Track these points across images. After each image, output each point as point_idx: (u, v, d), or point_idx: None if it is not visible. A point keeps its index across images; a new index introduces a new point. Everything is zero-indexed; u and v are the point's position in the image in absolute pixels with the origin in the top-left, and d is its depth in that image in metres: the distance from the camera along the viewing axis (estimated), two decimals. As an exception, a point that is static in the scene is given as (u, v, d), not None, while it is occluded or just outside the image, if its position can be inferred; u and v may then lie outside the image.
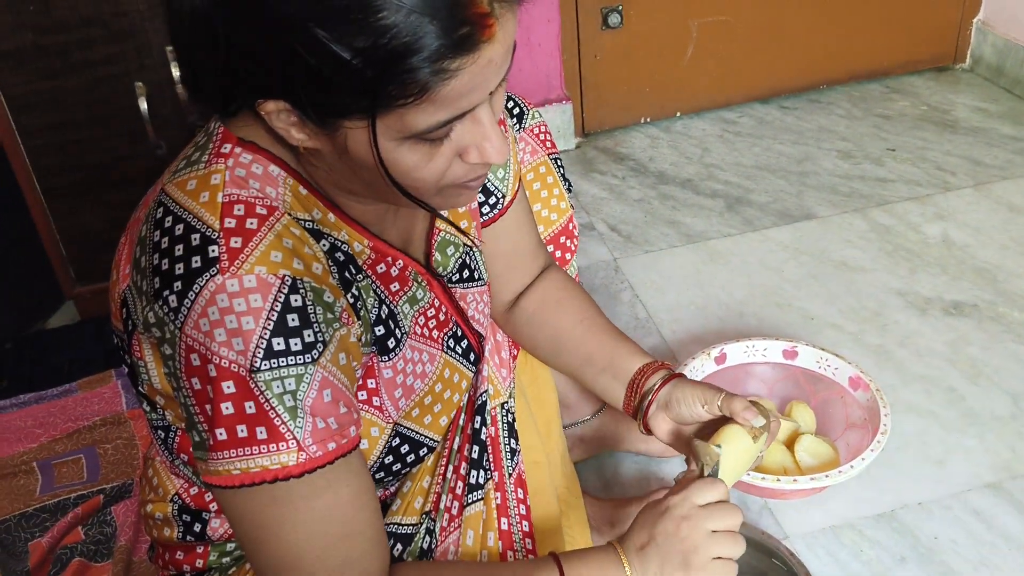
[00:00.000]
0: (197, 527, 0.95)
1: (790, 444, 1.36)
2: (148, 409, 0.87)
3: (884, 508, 1.36)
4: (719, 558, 0.88)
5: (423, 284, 0.95)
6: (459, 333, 1.00)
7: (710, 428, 1.01)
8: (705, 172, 2.26)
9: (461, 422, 1.06)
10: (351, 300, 0.83)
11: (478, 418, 1.08)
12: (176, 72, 1.66)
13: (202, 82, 0.77)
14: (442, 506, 1.04)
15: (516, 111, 1.25)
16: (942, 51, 2.61)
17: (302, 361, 0.74)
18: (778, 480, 1.23)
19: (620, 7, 2.31)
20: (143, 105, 1.65)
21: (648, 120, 2.50)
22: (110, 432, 1.59)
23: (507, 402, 1.14)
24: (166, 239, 0.75)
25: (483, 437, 1.08)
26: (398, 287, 0.91)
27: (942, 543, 1.30)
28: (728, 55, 2.45)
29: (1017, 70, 2.46)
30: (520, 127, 1.25)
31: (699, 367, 1.43)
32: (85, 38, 1.62)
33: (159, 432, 0.89)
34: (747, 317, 1.75)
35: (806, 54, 2.50)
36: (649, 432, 1.07)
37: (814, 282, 1.83)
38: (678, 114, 2.51)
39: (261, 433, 0.74)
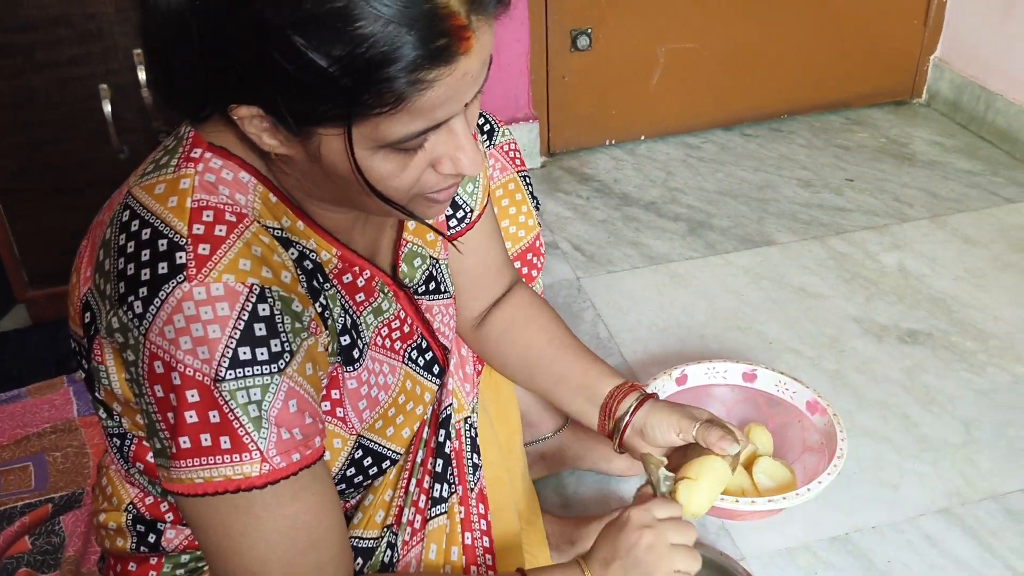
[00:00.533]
0: (151, 538, 0.93)
1: (748, 466, 1.36)
2: (104, 416, 0.86)
3: (839, 531, 1.37)
4: (678, 572, 0.89)
5: (389, 295, 0.94)
6: (423, 345, 1.00)
7: (683, 450, 1.02)
8: (668, 195, 2.28)
9: (425, 435, 1.06)
10: (319, 309, 0.82)
11: (442, 431, 1.07)
12: (143, 75, 1.64)
13: (174, 84, 0.76)
14: (404, 519, 1.03)
15: (487, 128, 1.26)
16: (901, 85, 2.67)
17: (268, 371, 0.74)
18: (736, 501, 1.24)
19: (589, 30, 2.33)
20: (107, 108, 1.63)
21: (613, 142, 2.52)
22: (60, 440, 1.55)
23: (470, 416, 1.14)
24: (132, 243, 0.74)
25: (447, 450, 1.07)
26: (363, 297, 0.90)
27: (895, 567, 1.32)
28: (693, 81, 2.49)
29: (972, 106, 2.52)
30: (490, 143, 1.26)
31: (660, 387, 1.43)
32: (52, 38, 1.59)
33: (115, 440, 0.87)
34: (708, 339, 1.77)
35: (769, 83, 2.55)
36: (621, 450, 1.08)
37: (773, 307, 1.86)
38: (643, 137, 2.54)
39: (225, 443, 0.73)
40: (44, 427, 1.58)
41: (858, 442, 1.51)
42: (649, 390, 1.41)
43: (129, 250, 0.74)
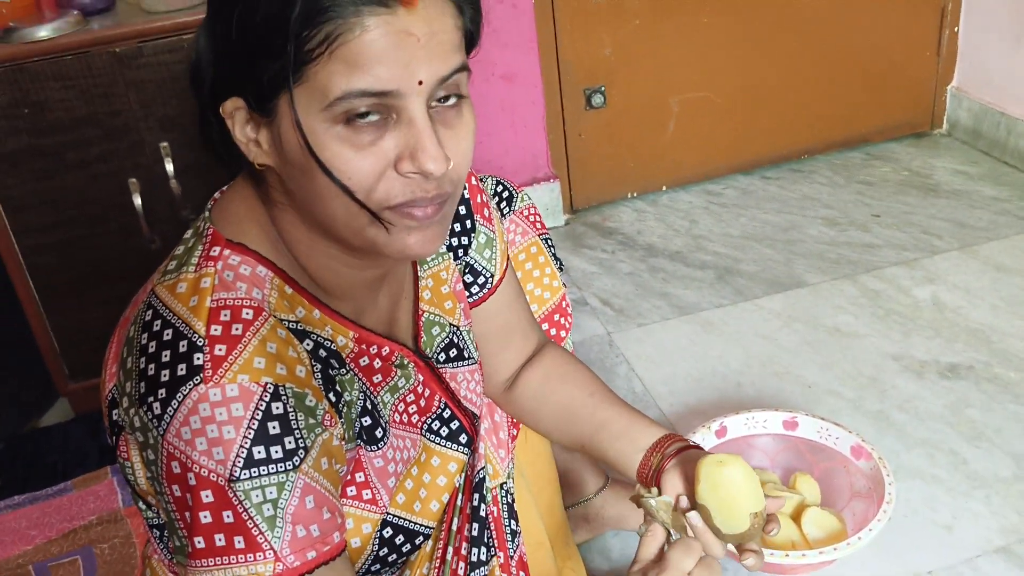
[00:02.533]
0: (197, 626, 0.93)
1: (796, 517, 1.34)
2: (144, 507, 0.87)
3: (895, 578, 1.34)
4: None
5: (409, 368, 0.95)
6: (446, 415, 0.99)
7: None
8: (693, 244, 2.28)
9: (459, 502, 1.05)
10: (333, 399, 0.83)
11: (476, 495, 1.06)
12: (170, 167, 1.69)
13: (207, 132, 0.82)
14: (444, 591, 1.02)
15: (505, 194, 1.27)
16: (919, 117, 2.67)
17: (283, 468, 0.74)
18: (786, 555, 1.22)
19: (603, 87, 2.36)
20: (137, 201, 1.67)
21: (634, 194, 2.54)
22: (106, 531, 1.56)
23: (506, 483, 1.13)
24: (154, 343, 0.76)
25: (483, 514, 1.06)
26: (380, 379, 0.91)
27: (956, 612, 1.28)
28: (709, 129, 2.50)
29: (993, 132, 2.51)
30: (510, 209, 1.27)
31: (700, 441, 1.42)
32: (79, 138, 1.64)
33: (155, 530, 0.88)
34: (745, 387, 1.75)
35: (785, 125, 2.56)
36: (648, 484, 1.01)
37: (809, 349, 1.84)
38: (664, 187, 2.55)
39: (239, 543, 0.74)
40: (90, 519, 1.59)
41: (907, 484, 1.48)
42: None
43: (150, 350, 0.76)
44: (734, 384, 1.77)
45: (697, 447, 1.02)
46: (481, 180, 1.27)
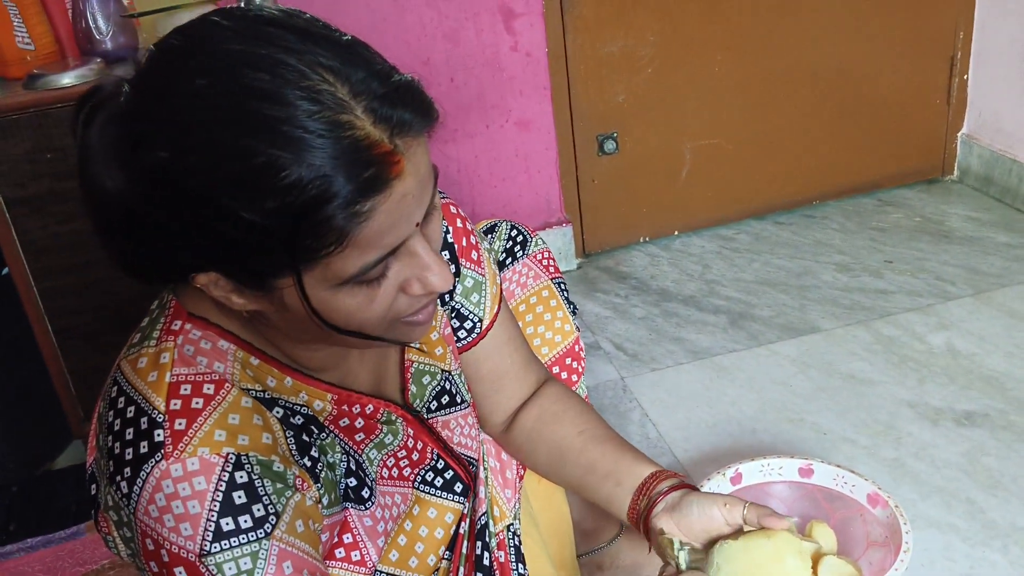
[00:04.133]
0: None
1: (813, 565, 1.33)
2: (138, 569, 0.87)
3: (913, 629, 1.32)
4: None
5: (397, 424, 0.94)
6: (440, 465, 0.98)
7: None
8: (707, 288, 2.29)
9: (464, 550, 1.04)
10: (309, 463, 0.82)
11: (479, 543, 1.06)
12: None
13: (131, 262, 0.77)
14: (452, 643, 1.01)
15: (519, 238, 1.28)
16: (931, 164, 2.68)
17: (255, 537, 0.74)
18: (803, 604, 1.20)
19: (615, 134, 2.38)
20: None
21: (647, 239, 2.55)
22: (119, 575, 1.56)
23: (512, 524, 1.12)
24: (118, 421, 0.76)
25: (486, 562, 1.05)
26: (363, 437, 0.90)
27: (976, 664, 1.26)
28: (722, 174, 2.52)
29: (1005, 179, 2.52)
30: (524, 253, 1.28)
31: (715, 487, 1.41)
32: (100, 183, 1.66)
33: None
34: (759, 434, 1.74)
35: (797, 170, 2.57)
36: (647, 535, 1.00)
37: (824, 396, 1.83)
38: (676, 232, 2.56)
39: None
40: (103, 563, 1.59)
41: (924, 533, 1.47)
42: (704, 490, 1.40)
43: (116, 428, 0.76)
44: (749, 430, 1.76)
45: (689, 487, 0.99)
46: (495, 225, 1.29)
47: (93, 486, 0.82)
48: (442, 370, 1.02)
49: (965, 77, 2.57)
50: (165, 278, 0.79)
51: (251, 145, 0.65)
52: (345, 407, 0.89)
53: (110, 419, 0.77)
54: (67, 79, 1.65)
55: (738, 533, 0.91)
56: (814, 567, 1.33)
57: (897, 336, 2.00)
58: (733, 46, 2.38)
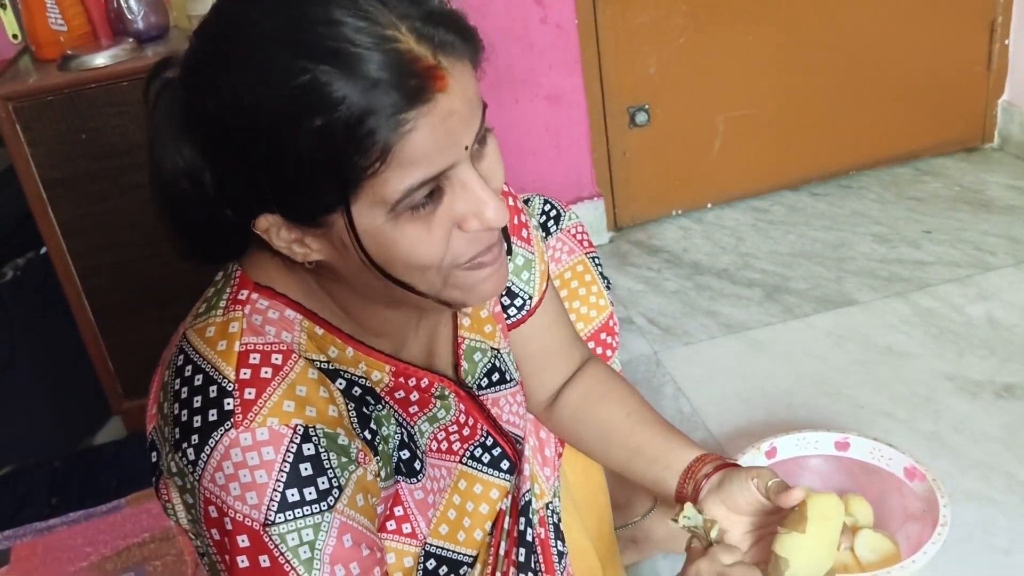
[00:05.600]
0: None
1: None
2: (193, 536, 0.88)
3: (952, 603, 1.31)
4: None
5: (449, 399, 0.94)
6: (489, 442, 0.99)
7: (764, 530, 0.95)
8: (741, 261, 2.26)
9: (506, 525, 1.04)
10: (368, 436, 0.83)
11: (523, 519, 1.06)
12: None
13: (200, 238, 0.79)
14: (493, 617, 1.02)
15: (553, 213, 1.27)
16: (970, 132, 2.63)
17: (318, 510, 0.75)
18: (840, 578, 1.20)
19: (647, 106, 2.36)
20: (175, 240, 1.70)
21: (680, 212, 2.52)
22: (159, 548, 1.58)
23: (552, 502, 1.12)
24: (185, 389, 0.77)
25: (529, 538, 1.06)
26: (417, 409, 0.91)
27: (1016, 639, 1.25)
28: (755, 146, 2.49)
29: (1047, 147, 2.46)
30: (558, 228, 1.27)
31: (750, 461, 1.40)
32: (134, 162, 1.68)
33: (204, 558, 0.89)
34: (795, 408, 1.73)
35: (833, 141, 2.53)
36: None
37: (861, 369, 1.81)
38: (709, 205, 2.53)
39: None
40: (143, 536, 1.62)
41: (962, 507, 1.45)
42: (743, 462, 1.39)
43: (183, 396, 0.77)
44: (784, 404, 1.75)
45: (733, 464, 0.99)
46: (528, 200, 1.28)
47: (154, 453, 0.83)
48: (492, 348, 1.02)
49: (1006, 42, 2.51)
50: (228, 243, 0.80)
51: (297, 64, 0.66)
52: (402, 379, 0.89)
53: (176, 387, 0.78)
54: (100, 59, 1.66)
55: (792, 516, 0.89)
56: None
57: (936, 308, 1.97)
58: (765, 15, 2.33)
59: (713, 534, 0.90)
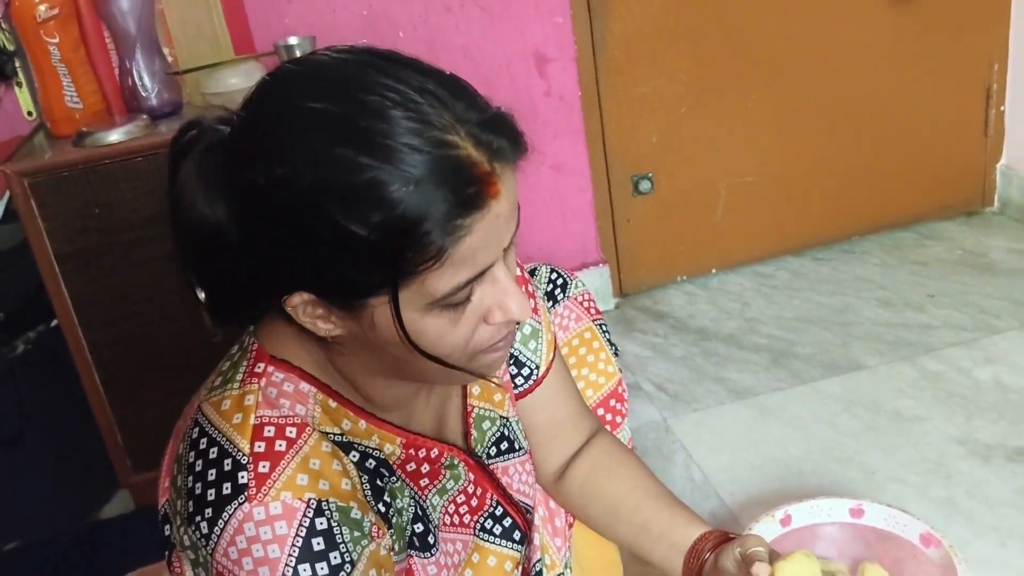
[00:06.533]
0: None
1: (867, 607, 1.30)
2: None
3: (973, 674, 1.29)
4: None
5: (458, 468, 0.94)
6: (499, 512, 0.98)
7: None
8: (747, 326, 2.27)
9: (520, 599, 1.03)
10: (383, 509, 0.83)
11: None
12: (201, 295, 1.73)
13: (223, 295, 0.80)
14: None
15: (559, 281, 1.28)
16: (970, 196, 2.66)
17: None
18: (860, 648, 1.18)
19: (650, 174, 2.39)
20: (201, 294, 1.71)
21: (684, 278, 2.54)
22: (166, 625, 1.56)
23: (563, 573, 1.11)
24: (200, 462, 0.77)
25: None
26: (428, 482, 0.91)
27: None
28: (758, 212, 2.51)
29: (1047, 210, 2.49)
30: (565, 295, 1.28)
31: (764, 530, 1.39)
32: (146, 236, 1.70)
33: None
34: (806, 475, 1.72)
35: (834, 206, 2.56)
36: None
37: (871, 434, 1.80)
38: (713, 270, 2.55)
39: None
40: (150, 612, 1.59)
41: (979, 573, 1.43)
42: (753, 533, 1.38)
43: (197, 468, 0.77)
44: (795, 471, 1.74)
45: (725, 541, 0.99)
46: (534, 270, 1.29)
47: (167, 526, 0.82)
48: (501, 416, 1.02)
49: (1002, 108, 2.55)
50: (253, 310, 0.81)
51: (360, 161, 0.68)
52: (412, 451, 0.89)
53: (191, 460, 0.78)
54: (114, 136, 1.69)
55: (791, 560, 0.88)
56: (869, 610, 1.30)
57: (943, 371, 1.97)
58: (765, 83, 2.38)
59: None
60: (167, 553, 0.84)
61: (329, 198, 0.69)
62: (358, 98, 0.70)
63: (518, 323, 0.82)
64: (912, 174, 2.58)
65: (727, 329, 2.27)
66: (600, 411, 1.28)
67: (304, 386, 0.82)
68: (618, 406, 1.30)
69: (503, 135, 0.73)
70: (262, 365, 0.82)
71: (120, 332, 1.75)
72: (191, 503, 0.77)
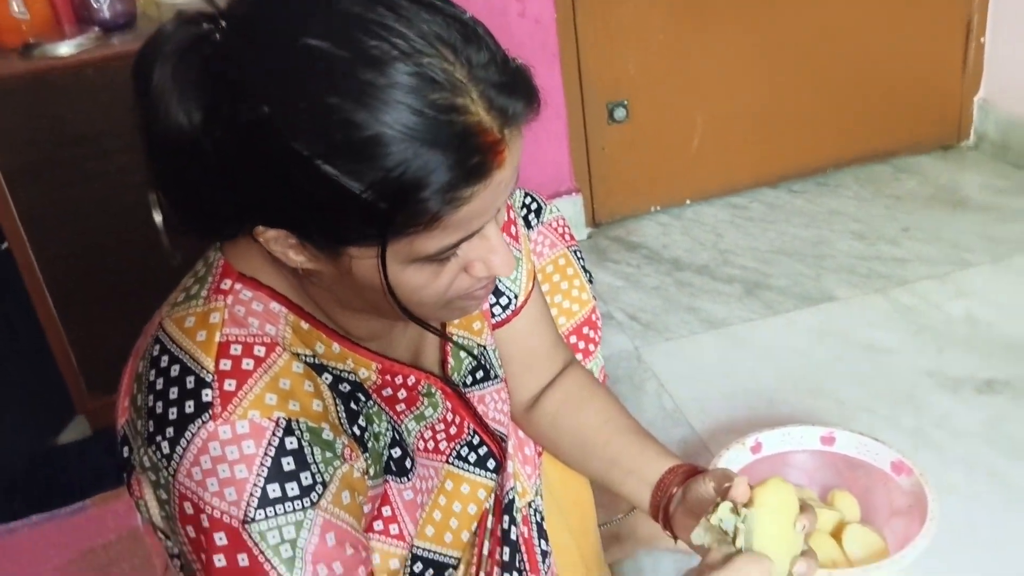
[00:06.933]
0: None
1: (836, 535, 1.30)
2: (162, 537, 0.84)
3: (939, 600, 1.29)
4: None
5: (436, 397, 0.92)
6: (475, 441, 0.96)
7: None
8: (720, 258, 2.25)
9: (489, 524, 1.01)
10: (358, 432, 0.80)
11: (507, 517, 1.03)
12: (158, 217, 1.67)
13: (186, 211, 0.74)
14: (477, 618, 0.98)
15: (534, 206, 1.24)
16: (946, 130, 2.63)
17: (301, 507, 0.71)
18: (830, 574, 1.17)
19: (625, 102, 2.34)
20: (158, 217, 1.65)
21: (658, 208, 2.51)
22: (126, 550, 1.53)
23: (534, 500, 1.09)
24: (161, 380, 0.73)
25: (513, 537, 1.03)
26: (404, 408, 0.88)
27: (1004, 635, 1.23)
28: (734, 143, 2.47)
29: (1022, 145, 2.47)
30: (539, 221, 1.24)
31: (734, 458, 1.38)
32: (99, 149, 1.63)
33: (175, 560, 0.85)
34: (777, 404, 1.71)
35: (810, 138, 2.53)
36: (675, 536, 0.97)
37: (842, 365, 1.80)
38: (688, 201, 2.52)
39: None
40: (110, 538, 1.56)
41: (946, 502, 1.42)
42: (723, 461, 1.37)
43: (158, 387, 0.73)
44: (766, 401, 1.73)
45: (693, 474, 0.96)
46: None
47: (125, 448, 0.79)
48: (478, 344, 1.00)
49: (982, 40, 2.51)
50: (223, 229, 0.76)
51: (358, 117, 0.63)
52: (388, 377, 0.86)
53: (151, 378, 0.74)
54: (64, 48, 1.61)
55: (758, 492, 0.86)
56: (837, 536, 1.31)
57: (915, 304, 1.96)
58: (746, 13, 2.32)
59: (739, 542, 0.85)
60: (125, 476, 0.80)
61: (322, 150, 0.64)
62: (363, 43, 0.63)
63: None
64: (889, 107, 2.54)
65: (701, 260, 2.25)
66: (573, 339, 1.25)
67: (274, 306, 0.78)
68: (591, 334, 1.28)
69: (519, 97, 0.68)
70: (229, 282, 0.77)
71: (74, 251, 1.69)
72: (151, 422, 0.72)
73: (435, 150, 0.64)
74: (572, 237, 1.27)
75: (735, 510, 0.83)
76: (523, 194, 1.25)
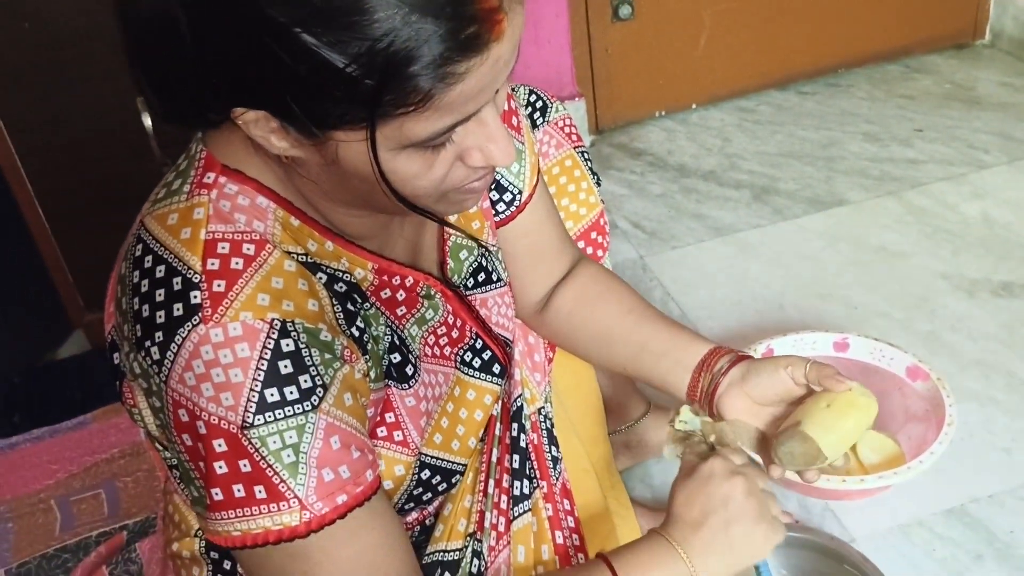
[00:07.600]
0: (227, 564, 0.88)
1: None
2: (160, 448, 0.81)
3: (953, 503, 1.28)
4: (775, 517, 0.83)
5: (436, 299, 0.88)
6: (478, 345, 0.93)
7: (779, 423, 0.92)
8: (727, 163, 2.19)
9: (498, 431, 0.99)
10: (356, 333, 0.76)
11: (515, 425, 1.00)
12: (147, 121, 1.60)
13: (165, 95, 0.69)
14: (487, 524, 0.97)
15: (539, 104, 1.18)
16: (961, 27, 2.54)
17: (301, 410, 0.68)
18: (844, 480, 1.15)
19: (631, -2, 2.24)
20: (147, 121, 1.58)
21: (663, 113, 2.43)
22: (129, 464, 1.52)
23: (544, 407, 1.07)
24: (146, 281, 0.69)
25: (522, 444, 1.01)
26: (404, 311, 0.84)
27: (1019, 536, 1.22)
28: (742, 43, 2.38)
29: (1041, 42, 2.39)
30: (544, 120, 1.19)
31: (747, 364, 1.35)
32: (83, 52, 1.55)
33: (174, 471, 0.82)
34: (787, 310, 1.68)
35: (821, 37, 2.44)
36: (715, 416, 0.95)
37: (854, 269, 1.76)
38: (694, 105, 2.44)
39: (260, 492, 0.68)
40: (112, 452, 1.55)
41: (963, 406, 1.41)
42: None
43: (143, 289, 0.69)
44: (776, 307, 1.69)
45: (747, 358, 0.94)
46: (512, 89, 1.19)
47: (115, 354, 0.75)
48: (479, 245, 0.95)
49: (1003, -69, 2.41)
50: (201, 114, 0.70)
51: None
52: (386, 277, 0.82)
53: (135, 280, 0.70)
54: (41, -58, 1.52)
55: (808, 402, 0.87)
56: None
57: (929, 206, 1.91)
58: (756, -100, 2.21)
59: (711, 439, 0.85)
60: (118, 383, 0.77)
61: (298, 17, 0.58)
62: None
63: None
64: (902, 3, 2.45)
65: (707, 166, 2.19)
66: (580, 244, 1.21)
67: (262, 200, 0.73)
68: (599, 239, 1.24)
69: None
70: (212, 175, 0.72)
71: (63, 160, 1.64)
72: (139, 327, 0.69)
73: (426, 18, 0.58)
74: (579, 137, 1.21)
75: (695, 411, 0.84)
76: (528, 91, 1.19)
